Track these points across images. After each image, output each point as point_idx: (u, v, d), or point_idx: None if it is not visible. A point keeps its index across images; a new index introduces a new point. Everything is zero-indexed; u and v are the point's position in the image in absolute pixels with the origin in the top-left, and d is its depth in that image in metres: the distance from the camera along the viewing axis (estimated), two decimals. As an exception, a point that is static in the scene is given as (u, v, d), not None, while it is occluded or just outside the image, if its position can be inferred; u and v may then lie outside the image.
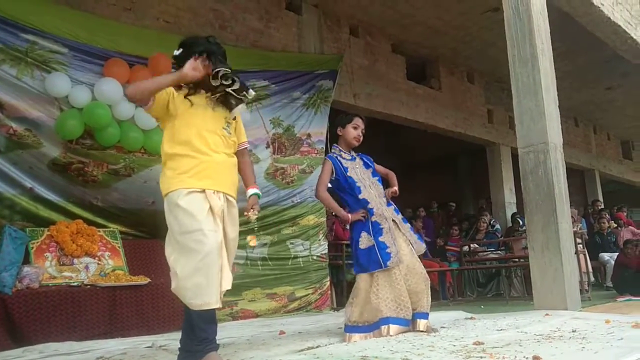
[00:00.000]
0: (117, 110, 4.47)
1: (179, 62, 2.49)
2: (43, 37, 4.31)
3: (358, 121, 3.50)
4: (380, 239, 3.23)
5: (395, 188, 3.47)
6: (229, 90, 2.48)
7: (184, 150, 2.42)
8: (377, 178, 3.50)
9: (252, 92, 2.56)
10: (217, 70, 2.43)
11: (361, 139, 3.50)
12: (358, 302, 3.21)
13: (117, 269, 4.36)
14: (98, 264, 4.29)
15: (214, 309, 2.31)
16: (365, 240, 3.26)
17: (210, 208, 2.35)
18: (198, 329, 2.29)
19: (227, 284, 2.34)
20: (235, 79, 2.47)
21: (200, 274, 2.24)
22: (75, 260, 4.20)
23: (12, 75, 4.16)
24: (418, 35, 7.84)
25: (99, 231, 4.49)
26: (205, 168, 2.42)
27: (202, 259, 2.24)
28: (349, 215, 3.33)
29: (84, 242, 4.25)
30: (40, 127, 4.31)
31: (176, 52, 2.52)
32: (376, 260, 3.18)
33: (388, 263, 3.17)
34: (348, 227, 3.71)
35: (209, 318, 2.32)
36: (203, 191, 2.38)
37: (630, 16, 6.91)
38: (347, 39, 7.22)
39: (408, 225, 3.45)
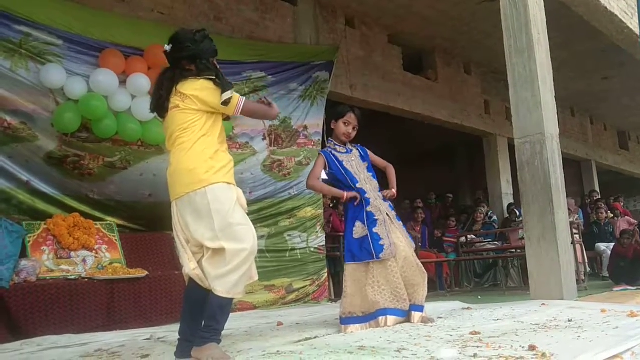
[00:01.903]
0: (114, 102, 4.44)
1: (168, 59, 2.53)
2: (37, 28, 4.27)
3: (350, 117, 3.47)
4: (374, 230, 3.24)
5: (394, 191, 3.45)
6: None
7: (223, 146, 2.53)
8: (371, 174, 3.48)
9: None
10: None
11: (352, 136, 3.49)
12: (350, 292, 3.21)
13: (115, 262, 4.36)
14: (95, 257, 4.29)
15: (232, 301, 2.39)
16: (359, 230, 3.27)
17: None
18: (212, 319, 2.33)
19: (256, 275, 2.48)
20: (217, 86, 2.44)
21: (246, 266, 2.34)
22: (73, 254, 4.19)
23: (7, 68, 4.12)
24: (414, 25, 7.80)
25: (96, 224, 4.48)
26: (233, 165, 2.53)
27: (252, 252, 2.35)
28: (344, 192, 3.32)
29: (81, 236, 4.24)
30: (36, 120, 4.29)
31: (167, 48, 2.52)
32: (368, 250, 3.19)
33: (380, 255, 3.18)
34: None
35: (228, 309, 2.38)
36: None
37: (626, 5, 6.89)
38: (343, 30, 7.18)
39: (400, 223, 3.44)
